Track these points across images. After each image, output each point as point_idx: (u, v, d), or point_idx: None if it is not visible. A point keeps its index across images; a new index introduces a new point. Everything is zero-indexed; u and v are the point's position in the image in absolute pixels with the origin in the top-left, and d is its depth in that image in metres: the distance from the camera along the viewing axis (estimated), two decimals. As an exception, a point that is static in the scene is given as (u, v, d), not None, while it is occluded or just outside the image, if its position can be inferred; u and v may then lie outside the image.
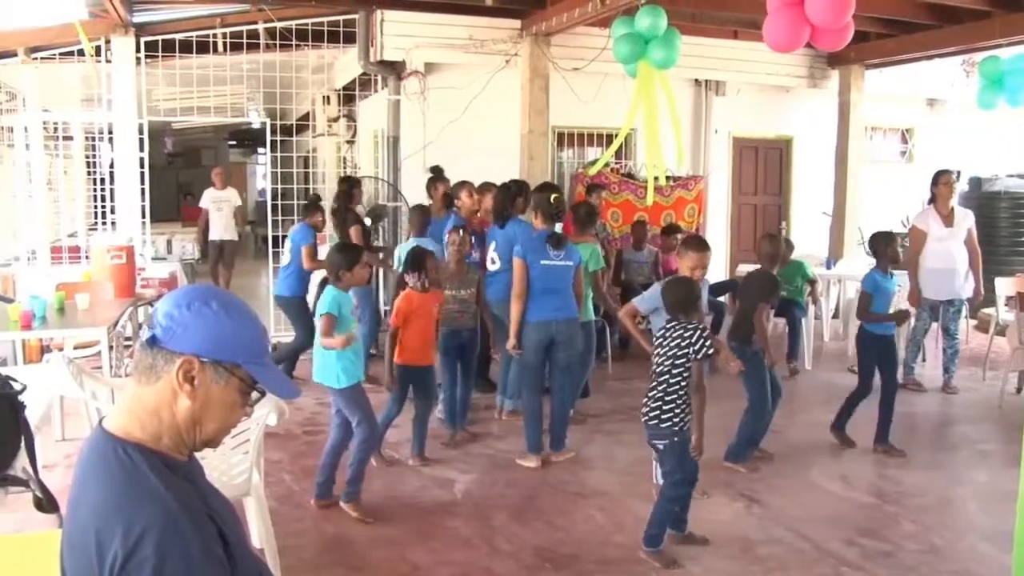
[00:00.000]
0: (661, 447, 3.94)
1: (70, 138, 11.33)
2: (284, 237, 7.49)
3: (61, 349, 6.24)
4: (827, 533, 4.27)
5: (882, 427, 5.54)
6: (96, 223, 10.20)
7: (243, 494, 3.57)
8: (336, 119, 11.37)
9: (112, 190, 8.72)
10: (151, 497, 1.42)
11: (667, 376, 3.90)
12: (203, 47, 8.86)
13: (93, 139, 10.29)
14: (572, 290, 5.28)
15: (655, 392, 3.94)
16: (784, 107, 10.65)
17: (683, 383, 3.87)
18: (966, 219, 7.07)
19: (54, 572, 1.50)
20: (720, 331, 6.98)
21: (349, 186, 7.59)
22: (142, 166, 8.53)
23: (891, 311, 5.64)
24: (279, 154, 9.06)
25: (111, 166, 8.76)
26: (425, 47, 8.59)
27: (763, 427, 5.27)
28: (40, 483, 2.43)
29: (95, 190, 9.91)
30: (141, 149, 8.53)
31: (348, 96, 11.12)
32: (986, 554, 4.10)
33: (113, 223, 8.80)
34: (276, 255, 8.91)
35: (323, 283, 4.66)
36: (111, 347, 5.50)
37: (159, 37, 8.48)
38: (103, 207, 9.37)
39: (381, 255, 7.88)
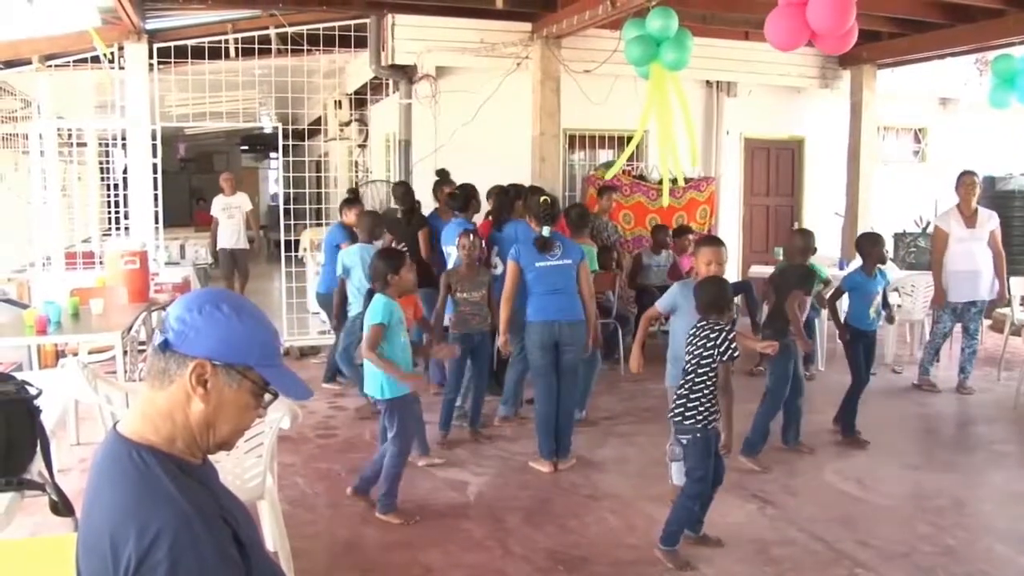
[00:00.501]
0: (684, 442, 3.96)
1: (84, 145, 11.45)
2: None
3: (76, 354, 6.27)
4: (841, 534, 4.25)
5: (846, 413, 5.74)
6: (110, 229, 10.28)
7: (256, 497, 3.57)
8: (348, 123, 11.40)
9: (126, 196, 8.77)
10: (165, 500, 1.43)
11: (692, 375, 3.92)
12: (215, 53, 8.90)
13: (107, 145, 10.37)
14: (577, 290, 5.19)
15: (682, 389, 3.97)
16: (796, 108, 10.60)
17: (708, 383, 3.88)
18: (990, 220, 6.99)
19: (70, 575, 1.51)
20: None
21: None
22: (155, 172, 8.57)
23: (872, 310, 5.74)
24: (291, 159, 9.08)
25: (124, 172, 8.80)
26: (436, 51, 8.60)
27: (774, 423, 5.34)
28: (56, 487, 2.44)
29: (109, 196, 9.97)
30: (154, 155, 8.58)
31: (360, 100, 11.13)
32: (1002, 556, 4.07)
33: (127, 228, 8.86)
34: (288, 259, 8.96)
35: (370, 293, 4.51)
36: (125, 352, 5.53)
37: (172, 43, 8.53)
38: (117, 213, 9.44)
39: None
